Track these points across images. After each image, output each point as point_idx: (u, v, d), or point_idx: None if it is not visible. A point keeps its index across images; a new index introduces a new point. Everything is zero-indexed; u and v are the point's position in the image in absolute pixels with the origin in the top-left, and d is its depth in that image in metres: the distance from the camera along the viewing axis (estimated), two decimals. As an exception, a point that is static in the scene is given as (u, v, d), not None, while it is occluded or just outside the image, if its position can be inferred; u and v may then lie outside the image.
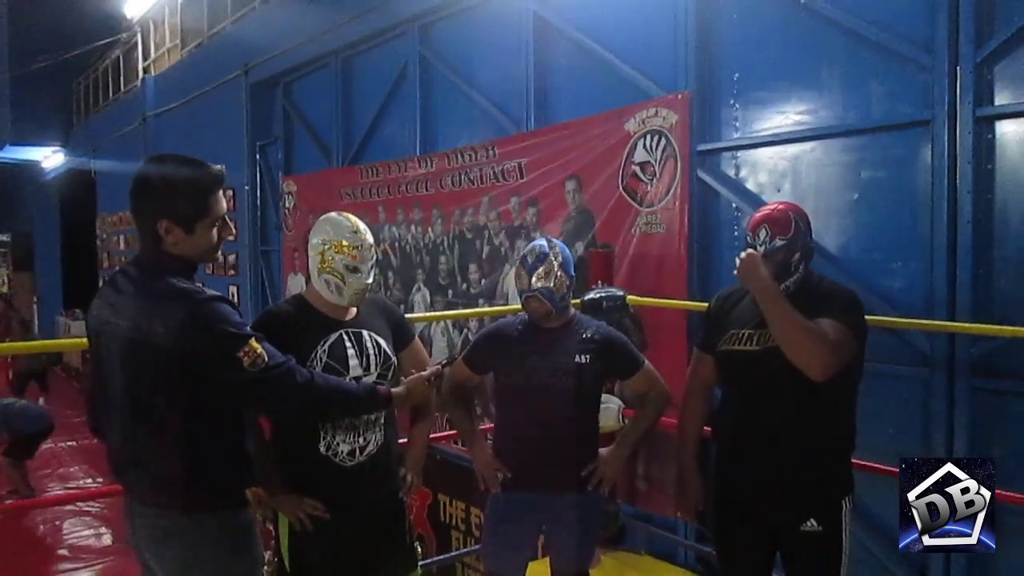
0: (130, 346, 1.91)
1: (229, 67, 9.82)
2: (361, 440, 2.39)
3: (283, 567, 2.47)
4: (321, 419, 2.34)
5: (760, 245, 2.36)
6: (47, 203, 20.85)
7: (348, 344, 2.40)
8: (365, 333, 2.45)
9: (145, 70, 13.91)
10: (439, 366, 2.47)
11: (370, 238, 2.44)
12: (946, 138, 3.43)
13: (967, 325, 3.30)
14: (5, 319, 14.10)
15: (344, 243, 2.39)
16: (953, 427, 3.45)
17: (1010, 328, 3.06)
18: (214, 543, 1.97)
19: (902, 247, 3.67)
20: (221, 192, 2.03)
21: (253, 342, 1.92)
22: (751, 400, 2.43)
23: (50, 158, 19.47)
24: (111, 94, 16.16)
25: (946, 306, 3.44)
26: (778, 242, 2.34)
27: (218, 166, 2.03)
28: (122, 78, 15.50)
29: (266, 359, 1.93)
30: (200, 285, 1.98)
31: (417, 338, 2.70)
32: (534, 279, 2.65)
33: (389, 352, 2.48)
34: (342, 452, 2.38)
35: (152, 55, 13.94)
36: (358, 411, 2.33)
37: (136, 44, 14.49)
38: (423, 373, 2.42)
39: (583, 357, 2.65)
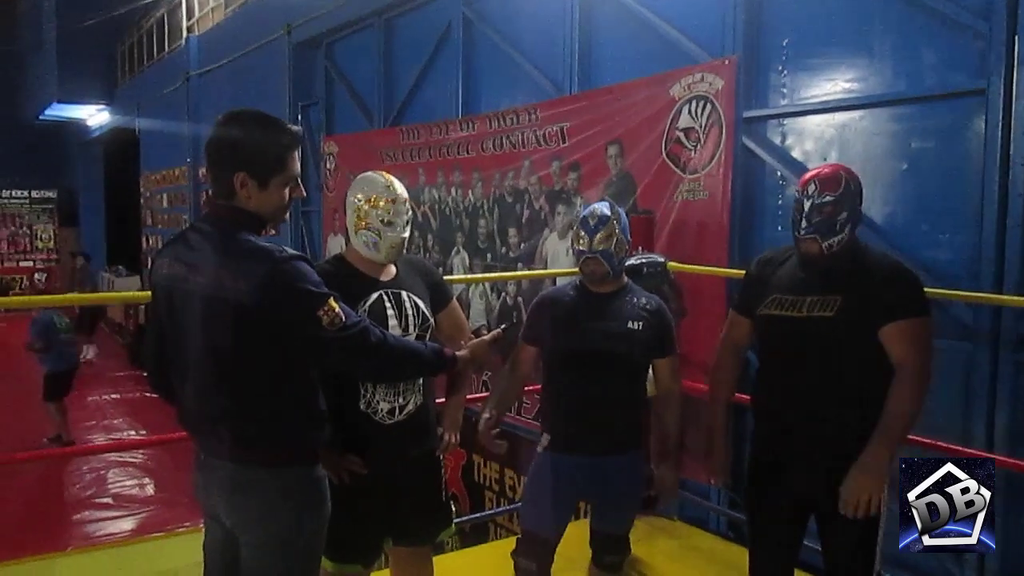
0: (209, 303, 1.92)
1: (271, 27, 9.84)
2: (400, 399, 2.44)
3: None
4: (392, 378, 2.38)
5: (807, 199, 2.34)
6: (92, 161, 21.20)
7: (388, 304, 2.44)
8: (404, 293, 2.48)
9: (189, 30, 13.99)
10: (499, 330, 2.49)
11: (404, 193, 2.47)
12: (1001, 108, 3.35)
13: (1015, 298, 3.25)
14: (74, 274, 14.43)
15: (378, 198, 2.43)
16: (995, 401, 3.42)
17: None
18: (289, 497, 2.01)
19: (950, 219, 3.61)
20: (297, 152, 2.06)
21: (332, 301, 1.95)
22: (791, 366, 2.42)
23: (95, 116, 19.73)
24: (155, 54, 16.28)
25: (993, 279, 3.38)
26: (827, 197, 2.32)
27: (296, 127, 2.06)
28: (166, 38, 15.60)
29: (343, 319, 1.95)
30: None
31: (455, 299, 2.73)
32: (595, 241, 2.65)
33: (427, 313, 2.51)
34: (382, 410, 2.42)
35: (196, 15, 14.00)
36: (427, 371, 2.37)
37: (180, 3, 14.55)
38: (485, 337, 2.45)
39: (636, 324, 2.66)
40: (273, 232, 10.05)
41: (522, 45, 6.21)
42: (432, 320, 2.53)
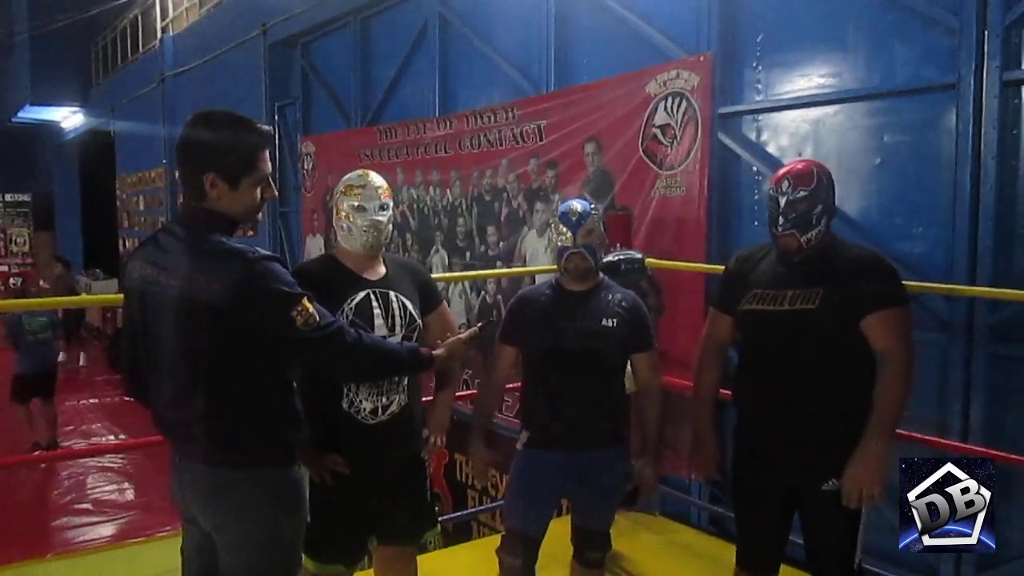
0: (181, 305, 1.91)
1: (247, 27, 9.79)
2: (384, 399, 2.44)
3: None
4: (368, 378, 2.38)
5: (782, 196, 2.38)
6: (67, 163, 20.97)
7: (375, 303, 2.45)
8: (392, 293, 2.49)
9: (163, 30, 13.87)
10: (476, 328, 2.49)
11: (379, 181, 2.50)
12: (972, 102, 3.39)
13: (989, 290, 3.29)
14: (57, 281, 14.20)
15: (351, 187, 2.48)
16: (970, 392, 3.46)
17: (1030, 293, 3.05)
18: (265, 499, 2.00)
19: (924, 212, 3.65)
20: (267, 152, 2.05)
21: (306, 302, 1.94)
22: (773, 360, 2.45)
23: (69, 119, 19.52)
24: (129, 54, 16.14)
25: (966, 272, 3.43)
26: (801, 193, 2.36)
27: (266, 126, 2.05)
28: (141, 38, 15.46)
29: (318, 319, 1.95)
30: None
31: (445, 303, 2.74)
32: (579, 236, 2.65)
33: (415, 314, 2.51)
34: (364, 410, 2.42)
35: (170, 15, 13.89)
36: (403, 371, 2.38)
37: (154, 3, 14.43)
38: (462, 336, 2.44)
39: (611, 321, 2.67)
40: (251, 233, 10.03)
41: (499, 43, 6.21)
42: (420, 321, 2.52)
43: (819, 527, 2.44)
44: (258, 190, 2.03)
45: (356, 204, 2.45)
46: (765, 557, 2.59)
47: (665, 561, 3.87)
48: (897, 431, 2.79)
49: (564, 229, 2.68)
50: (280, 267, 1.95)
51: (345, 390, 2.40)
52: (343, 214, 2.47)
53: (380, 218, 2.46)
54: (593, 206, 2.73)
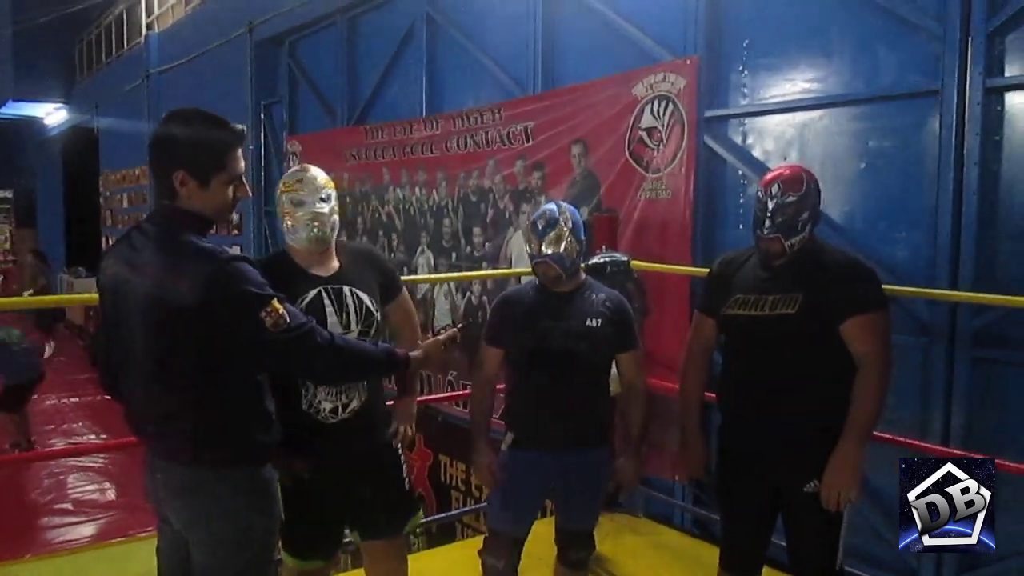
0: (151, 304, 1.90)
1: (233, 25, 9.74)
2: (344, 398, 2.41)
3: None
4: (341, 380, 2.35)
5: (770, 199, 2.39)
6: (50, 160, 20.78)
7: (327, 300, 2.40)
8: (346, 289, 2.44)
9: (148, 27, 13.78)
10: (455, 330, 2.47)
11: (317, 174, 2.46)
12: (955, 108, 3.42)
13: (971, 294, 3.32)
14: (34, 274, 14.06)
15: (289, 183, 2.45)
16: (951, 396, 3.49)
17: (1013, 298, 3.07)
18: (235, 498, 1.99)
19: (907, 217, 3.68)
20: (240, 151, 2.03)
21: (275, 303, 1.92)
22: (755, 364, 2.47)
23: (52, 115, 19.36)
24: (114, 51, 16.01)
25: (948, 277, 3.46)
26: (790, 198, 2.37)
27: (240, 125, 2.03)
28: (126, 35, 15.35)
29: (288, 320, 1.93)
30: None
31: (405, 290, 2.69)
32: (544, 244, 2.65)
33: (372, 308, 2.46)
34: (324, 409, 2.39)
35: (156, 11, 13.80)
36: (378, 373, 2.36)
37: (139, 0, 14.34)
38: (440, 336, 2.42)
39: (595, 321, 2.67)
40: (236, 232, 9.97)
41: (486, 44, 6.21)
42: (377, 315, 2.48)
43: (801, 529, 2.46)
44: (230, 189, 2.00)
45: (295, 199, 2.41)
46: (748, 558, 2.60)
47: (649, 562, 3.88)
48: (878, 434, 2.82)
49: (532, 236, 2.68)
50: (250, 268, 1.94)
51: (303, 391, 2.37)
52: (284, 210, 2.43)
53: (321, 209, 2.41)
54: (564, 213, 2.69)
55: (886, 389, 2.36)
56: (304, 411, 2.39)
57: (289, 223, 2.42)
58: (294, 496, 2.38)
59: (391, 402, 2.65)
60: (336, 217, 2.46)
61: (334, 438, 2.42)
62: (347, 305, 2.43)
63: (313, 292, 2.40)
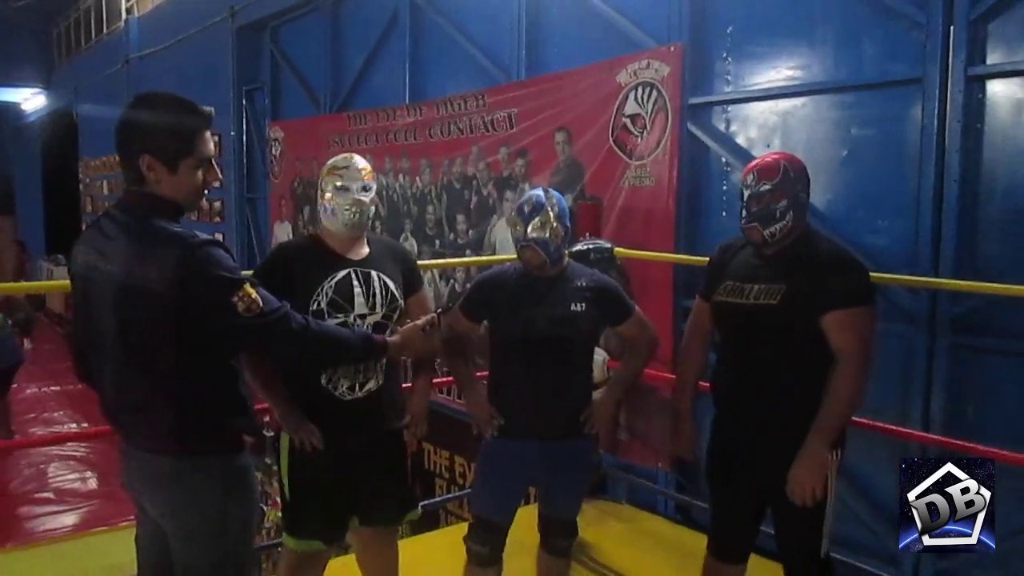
0: (121, 291, 1.88)
1: (215, 10, 9.61)
2: (362, 377, 2.47)
3: (283, 494, 2.57)
4: (316, 365, 2.39)
5: (747, 188, 2.40)
6: (28, 146, 20.54)
7: (356, 282, 2.48)
8: (374, 273, 2.52)
9: (128, 11, 13.60)
10: (434, 315, 2.48)
11: (362, 163, 2.54)
12: (937, 96, 3.43)
13: (952, 282, 3.33)
14: (19, 262, 13.92)
15: (334, 168, 2.52)
16: (932, 383, 3.52)
17: (993, 285, 3.09)
18: (210, 486, 1.97)
19: (889, 205, 3.69)
20: (208, 133, 2.00)
21: (247, 287, 1.91)
22: (740, 353, 2.49)
23: (30, 100, 19.13)
24: (93, 35, 15.80)
25: (930, 264, 3.48)
26: (764, 186, 2.37)
27: (207, 108, 2.00)
28: (105, 19, 15.14)
29: (260, 305, 1.91)
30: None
31: (426, 290, 2.74)
32: (530, 229, 2.63)
33: (397, 294, 2.54)
34: (342, 386, 2.46)
35: (135, -5, 13.64)
36: (353, 359, 2.35)
37: (119, -16, 14.16)
38: (418, 322, 2.43)
39: (578, 305, 2.66)
40: (218, 219, 9.88)
41: (470, 31, 6.18)
42: (402, 302, 2.55)
43: (786, 518, 2.46)
44: (199, 173, 1.98)
45: (339, 184, 2.48)
46: (737, 545, 2.61)
47: (632, 549, 3.90)
48: (858, 420, 2.84)
49: (518, 220, 2.67)
50: (222, 252, 1.92)
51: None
52: (327, 195, 2.50)
53: (362, 198, 2.49)
54: (551, 199, 2.68)
55: (862, 386, 2.33)
56: (323, 385, 2.44)
57: (329, 208, 2.49)
58: (301, 474, 2.45)
59: (408, 385, 2.70)
60: (373, 208, 2.57)
61: (348, 415, 2.47)
62: (374, 288, 2.50)
63: (343, 273, 2.47)
